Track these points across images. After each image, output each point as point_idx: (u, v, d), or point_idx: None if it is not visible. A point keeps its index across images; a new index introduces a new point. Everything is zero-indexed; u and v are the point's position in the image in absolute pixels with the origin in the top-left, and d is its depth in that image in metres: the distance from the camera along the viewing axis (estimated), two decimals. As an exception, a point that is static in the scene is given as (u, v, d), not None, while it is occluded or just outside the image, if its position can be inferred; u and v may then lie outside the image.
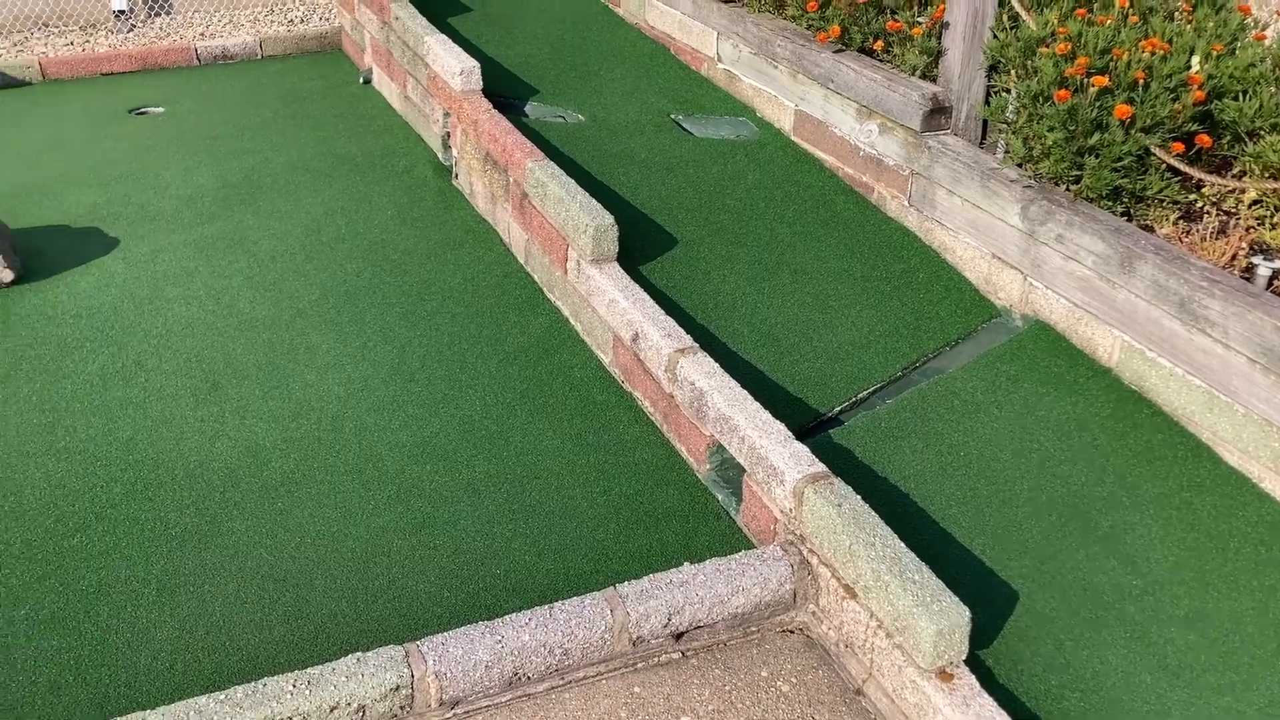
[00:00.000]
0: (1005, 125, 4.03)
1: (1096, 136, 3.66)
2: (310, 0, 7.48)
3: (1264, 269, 3.34)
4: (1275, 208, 3.55)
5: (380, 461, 3.33)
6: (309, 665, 2.47)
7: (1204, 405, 3.32)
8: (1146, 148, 3.64)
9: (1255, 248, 3.50)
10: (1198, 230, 3.62)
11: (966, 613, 2.47)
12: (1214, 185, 3.66)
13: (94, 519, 3.09)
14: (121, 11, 7.09)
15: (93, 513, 3.11)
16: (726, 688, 2.61)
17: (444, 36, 5.25)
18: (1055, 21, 3.96)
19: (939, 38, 4.35)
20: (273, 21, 7.25)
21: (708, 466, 3.28)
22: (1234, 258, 3.47)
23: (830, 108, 4.77)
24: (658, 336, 3.43)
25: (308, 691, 2.37)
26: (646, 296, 3.65)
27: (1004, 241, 3.95)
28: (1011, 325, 3.92)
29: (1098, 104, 3.66)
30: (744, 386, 3.21)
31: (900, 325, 3.91)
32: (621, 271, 3.80)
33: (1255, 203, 3.59)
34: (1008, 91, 4.04)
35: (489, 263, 4.43)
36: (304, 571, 2.91)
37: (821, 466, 2.87)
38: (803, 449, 2.94)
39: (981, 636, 2.70)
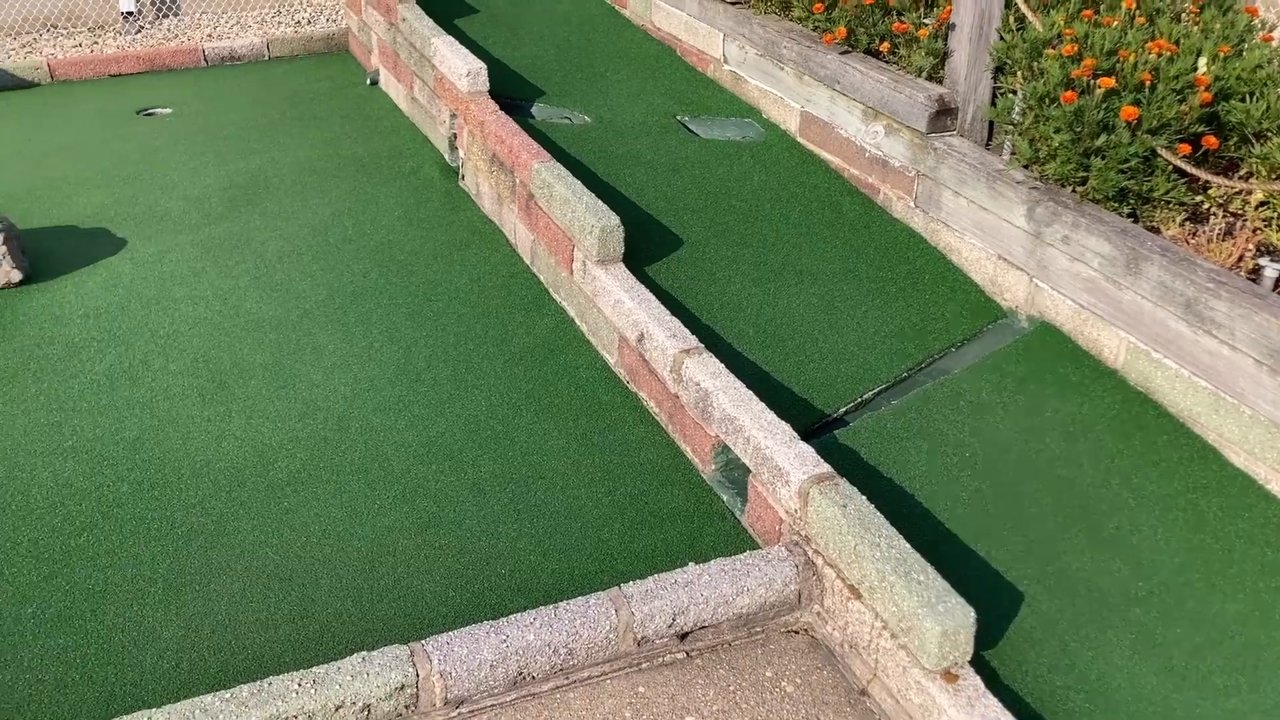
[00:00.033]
0: (1011, 127, 4.03)
1: (1103, 138, 3.66)
2: (317, 2, 7.50)
3: (1271, 270, 3.33)
4: (1282, 209, 3.54)
5: (386, 461, 3.33)
6: (314, 664, 2.48)
7: (1210, 407, 3.32)
8: (1153, 149, 3.63)
9: (1262, 249, 3.50)
10: (1204, 232, 3.61)
11: (971, 613, 2.47)
12: (1221, 187, 3.65)
13: (101, 518, 3.10)
14: (130, 13, 7.11)
15: (99, 512, 3.12)
16: (731, 688, 2.61)
17: (451, 38, 5.26)
18: (1061, 23, 3.95)
19: (945, 39, 4.35)
20: (280, 23, 7.27)
21: (713, 467, 3.28)
22: (1240, 259, 3.46)
23: (836, 109, 4.77)
24: (663, 337, 3.43)
25: (313, 690, 2.37)
26: (652, 297, 3.65)
27: (1010, 243, 3.95)
28: (1017, 326, 3.92)
29: (1104, 105, 3.66)
30: (749, 387, 3.21)
31: (906, 326, 3.90)
32: (627, 272, 3.81)
33: (1262, 204, 3.58)
34: (1014, 93, 4.03)
35: (495, 263, 4.44)
36: (310, 571, 2.92)
37: (827, 467, 2.87)
38: (808, 450, 2.94)
39: (986, 637, 2.70)
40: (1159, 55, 3.72)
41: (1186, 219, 3.68)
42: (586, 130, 5.10)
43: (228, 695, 2.35)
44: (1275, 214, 3.54)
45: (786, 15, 5.27)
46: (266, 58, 6.81)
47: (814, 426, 3.44)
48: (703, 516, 3.16)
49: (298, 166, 5.27)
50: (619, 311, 3.68)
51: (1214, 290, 3.24)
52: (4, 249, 4.15)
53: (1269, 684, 2.65)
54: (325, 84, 6.38)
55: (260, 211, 4.84)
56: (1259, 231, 3.55)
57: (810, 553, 2.81)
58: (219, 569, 2.92)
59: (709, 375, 3.25)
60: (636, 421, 3.55)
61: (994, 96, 4.20)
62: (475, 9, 6.40)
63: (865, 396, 3.59)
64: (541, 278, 4.31)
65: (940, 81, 4.39)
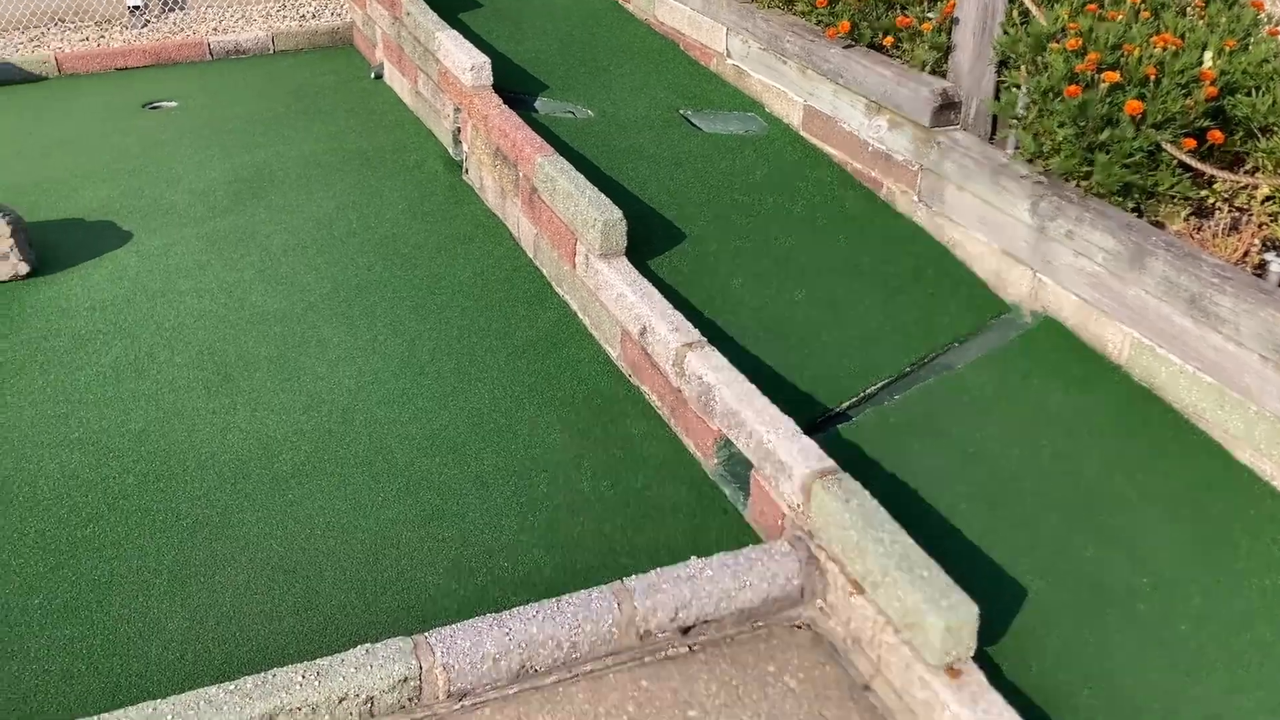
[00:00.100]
0: (1015, 121, 4.02)
1: (1107, 132, 3.65)
2: (322, -5, 7.50)
3: (1276, 266, 3.33)
4: (1287, 204, 3.53)
5: (390, 454, 3.34)
6: (318, 656, 2.48)
7: (1215, 402, 3.31)
8: (1158, 144, 3.62)
9: (1268, 244, 3.49)
10: (1209, 227, 3.60)
11: (975, 609, 2.47)
12: (1226, 181, 3.64)
13: (107, 509, 3.11)
14: (136, 7, 7.11)
15: (105, 503, 3.13)
16: (734, 682, 2.62)
17: (455, 32, 5.25)
18: (1066, 17, 3.94)
19: (949, 33, 4.34)
20: (285, 17, 7.27)
21: (715, 461, 3.28)
22: (1246, 254, 3.46)
23: (839, 103, 4.76)
24: (665, 331, 3.44)
25: (317, 682, 2.38)
26: (654, 291, 3.65)
27: (1014, 237, 3.94)
28: (1021, 321, 3.91)
29: (1108, 100, 3.65)
30: (752, 381, 3.21)
31: (909, 321, 3.90)
32: (630, 266, 3.81)
33: (1268, 199, 3.57)
34: (1018, 87, 4.03)
35: (498, 257, 4.44)
36: (314, 563, 2.93)
37: (830, 462, 2.87)
38: (811, 444, 2.94)
39: (990, 633, 2.70)
40: (1164, 49, 3.71)
41: (1191, 214, 3.67)
42: (589, 124, 5.10)
43: (232, 687, 2.36)
44: (1280, 209, 3.54)
45: (790, 9, 5.26)
46: (271, 51, 6.82)
47: (817, 421, 3.44)
48: (705, 511, 3.16)
49: (302, 160, 5.27)
50: (621, 305, 3.68)
51: (1219, 285, 3.23)
52: (11, 242, 4.16)
53: (1274, 680, 2.65)
54: (330, 78, 6.38)
55: (265, 205, 4.85)
56: (1264, 226, 3.54)
57: (813, 547, 2.82)
58: (224, 561, 2.93)
59: (711, 369, 3.25)
60: (639, 415, 3.55)
61: (998, 91, 4.20)
62: (479, 3, 6.40)
63: (868, 391, 3.59)
64: (544, 271, 4.32)
65: (944, 76, 4.38)
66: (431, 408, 3.55)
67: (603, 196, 3.93)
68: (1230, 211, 3.64)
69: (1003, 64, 4.17)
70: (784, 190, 4.63)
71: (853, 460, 3.23)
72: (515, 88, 5.33)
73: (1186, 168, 3.66)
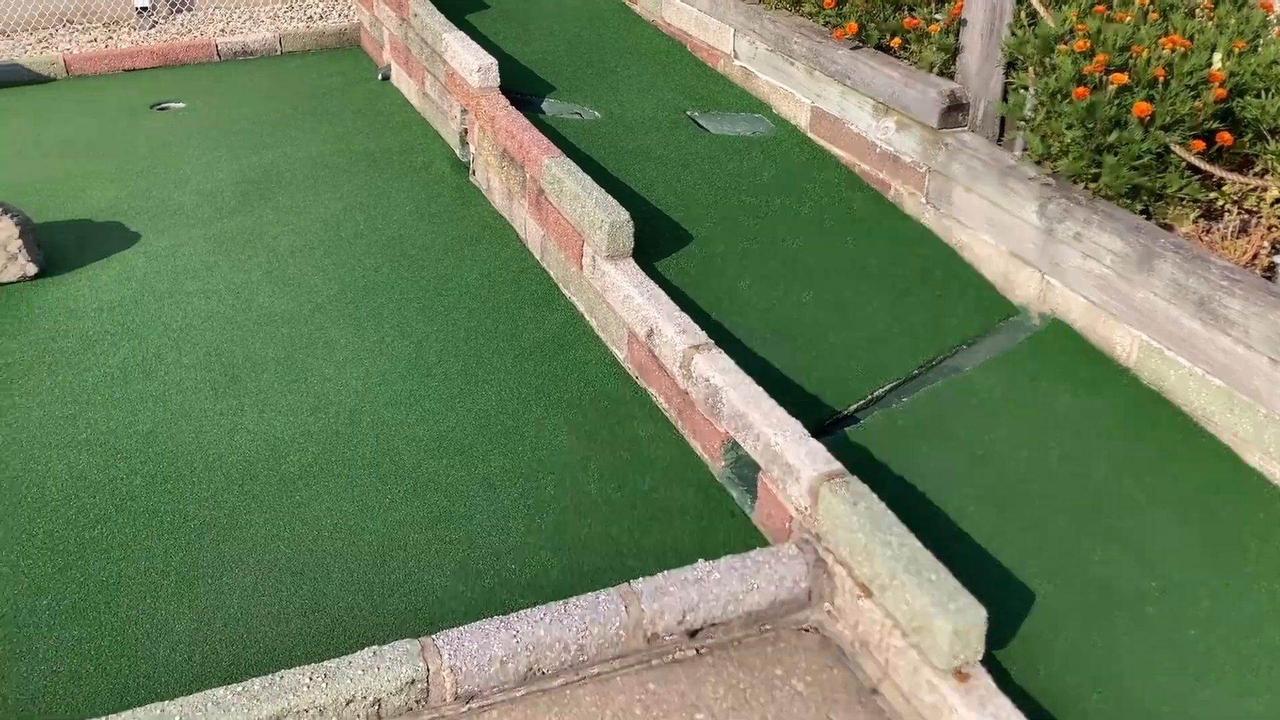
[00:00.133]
0: (1023, 122, 4.01)
1: (1115, 134, 3.64)
2: (329, -4, 7.51)
3: (1285, 268, 3.32)
4: (1297, 206, 3.52)
5: (397, 455, 3.34)
6: (325, 658, 2.49)
7: (1224, 405, 3.30)
8: (1166, 146, 3.61)
9: (1277, 247, 3.48)
10: (1218, 229, 3.59)
11: (983, 612, 2.46)
12: (1235, 183, 3.63)
13: (114, 510, 3.11)
14: (144, 8, 7.13)
15: (113, 504, 3.14)
16: (741, 685, 2.62)
17: (462, 33, 5.26)
18: (1074, 18, 3.93)
19: (956, 34, 4.34)
20: (292, 18, 7.28)
21: (722, 463, 3.28)
22: (1255, 257, 3.45)
23: (847, 104, 4.76)
24: (672, 332, 3.43)
25: (324, 684, 2.38)
26: (661, 292, 3.65)
27: (1022, 239, 3.93)
28: (1029, 324, 3.90)
29: (1117, 101, 3.64)
30: (759, 383, 3.21)
31: (917, 323, 3.90)
32: (636, 267, 3.80)
33: (1277, 201, 3.56)
34: (1026, 89, 4.02)
35: (505, 258, 4.45)
36: (321, 565, 2.93)
37: (837, 464, 2.87)
38: (818, 446, 2.94)
39: (998, 636, 2.69)
40: (1173, 51, 3.70)
41: (1200, 216, 3.66)
42: (596, 125, 5.10)
43: (239, 688, 2.36)
44: (1290, 211, 3.52)
45: (797, 10, 5.26)
46: (279, 52, 6.83)
47: (824, 423, 3.43)
48: (712, 513, 3.16)
49: (310, 161, 5.28)
50: (628, 307, 3.68)
51: (1228, 288, 3.22)
52: (20, 243, 4.17)
53: (1281, 683, 2.64)
54: (337, 79, 6.39)
55: (273, 206, 4.85)
56: (1274, 229, 3.53)
57: (821, 550, 2.81)
58: (231, 562, 2.94)
59: (718, 371, 3.24)
60: (646, 417, 3.55)
61: (1005, 92, 4.19)
62: (486, 4, 6.40)
63: (876, 393, 3.59)
64: (551, 273, 4.32)
65: (952, 77, 4.37)
66: (439, 409, 3.55)
67: (610, 198, 3.93)
68: (1239, 214, 3.63)
69: (1010, 65, 4.16)
70: (791, 192, 4.63)
71: (861, 463, 3.23)
72: (522, 89, 5.33)
73: (1195, 170, 3.65)
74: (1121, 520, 3.09)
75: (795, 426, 3.02)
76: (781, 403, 3.13)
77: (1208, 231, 3.60)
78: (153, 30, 7.04)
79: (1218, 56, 3.72)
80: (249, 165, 5.23)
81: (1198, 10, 4.14)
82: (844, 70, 4.71)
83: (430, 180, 5.10)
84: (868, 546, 2.63)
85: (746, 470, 3.20)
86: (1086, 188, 3.79)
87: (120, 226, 4.65)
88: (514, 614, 2.60)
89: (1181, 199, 3.66)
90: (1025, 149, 4.02)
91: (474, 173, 5.08)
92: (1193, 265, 3.33)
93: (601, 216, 3.81)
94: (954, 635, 2.42)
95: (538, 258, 4.43)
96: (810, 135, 5.04)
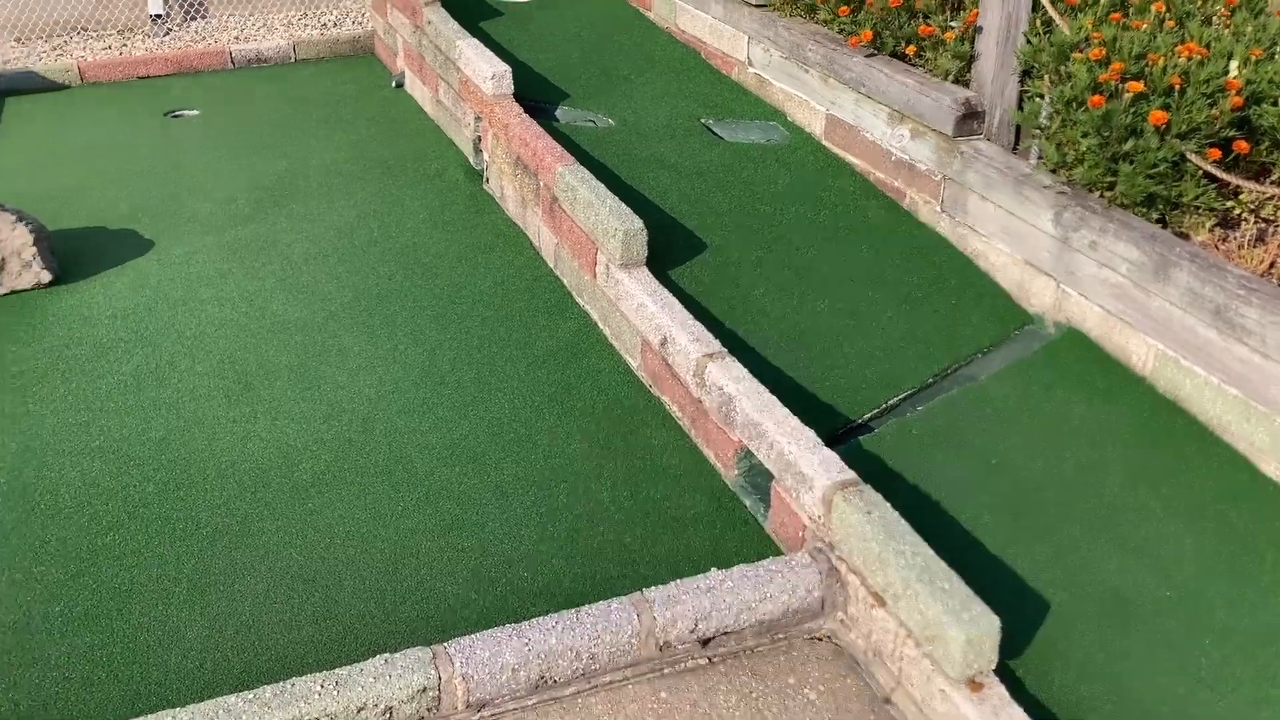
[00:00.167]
0: (1038, 131, 4.00)
1: (1131, 142, 3.62)
2: (343, 4, 7.54)
3: (1302, 277, 3.30)
4: (1314, 215, 3.50)
5: (410, 463, 3.34)
6: (337, 666, 2.48)
7: (1241, 415, 3.28)
8: (1182, 154, 3.60)
9: (1293, 255, 3.46)
10: (1235, 238, 3.57)
11: (996, 621, 2.45)
12: (1252, 192, 3.61)
13: (127, 517, 3.12)
14: (158, 15, 7.17)
15: (126, 511, 3.14)
16: (754, 695, 2.60)
17: (476, 40, 5.27)
18: (1089, 26, 3.92)
19: (971, 42, 4.33)
20: (306, 25, 7.31)
21: (735, 472, 3.27)
22: (1272, 265, 3.42)
23: (862, 112, 4.75)
24: (686, 341, 3.43)
25: (335, 692, 2.38)
26: (675, 301, 3.64)
27: (1037, 248, 3.92)
28: (1044, 332, 3.89)
29: (1132, 110, 3.62)
30: (773, 392, 3.20)
31: (932, 331, 3.88)
32: (650, 276, 3.80)
33: (1294, 210, 3.54)
34: (1041, 97, 4.00)
35: (519, 266, 4.45)
36: (333, 572, 2.93)
37: (851, 473, 2.86)
38: (832, 455, 2.93)
39: (1011, 646, 2.68)
40: (1189, 59, 3.68)
41: (1216, 225, 3.64)
42: (610, 133, 5.10)
43: (251, 696, 2.36)
44: (1307, 220, 3.50)
45: (811, 18, 5.26)
46: (293, 60, 6.85)
47: (838, 432, 3.42)
48: (725, 522, 3.15)
49: (324, 168, 5.29)
50: (642, 315, 3.67)
51: (1245, 297, 3.20)
52: (34, 250, 4.19)
53: (1299, 696, 2.62)
54: (351, 86, 6.41)
55: (286, 213, 4.87)
56: (1290, 237, 3.51)
57: (834, 559, 2.80)
58: (243, 569, 2.94)
59: (732, 380, 3.24)
60: (659, 425, 3.54)
61: (1021, 100, 4.18)
62: (500, 11, 6.42)
63: (890, 402, 3.57)
64: (565, 281, 4.32)
65: (967, 85, 4.36)
66: (452, 417, 3.55)
67: (623, 206, 3.92)
68: (1256, 222, 3.61)
69: (1026, 73, 4.15)
70: (806, 200, 4.62)
71: (874, 472, 3.21)
72: (536, 96, 5.34)
73: (1211, 178, 3.63)
74: (1136, 530, 3.07)
75: (809, 435, 3.01)
76: (795, 411, 3.12)
77: (1224, 240, 3.58)
78: (167, 38, 7.07)
79: (1234, 64, 3.70)
80: (262, 172, 5.25)
81: (1214, 18, 4.12)
82: (859, 78, 4.70)
83: (444, 188, 5.11)
84: (881, 555, 2.62)
85: (759, 479, 3.19)
86: (1102, 196, 3.77)
87: (134, 234, 4.67)
88: (526, 622, 2.60)
89: (1198, 207, 3.64)
90: (1040, 157, 4.01)
91: (487, 180, 5.08)
92: (1209, 274, 3.31)
93: (615, 224, 3.81)
94: (967, 644, 2.41)
95: (551, 266, 4.43)
96: (825, 143, 5.03)
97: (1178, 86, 3.62)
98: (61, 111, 6.07)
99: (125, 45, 6.97)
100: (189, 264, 4.44)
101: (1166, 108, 3.60)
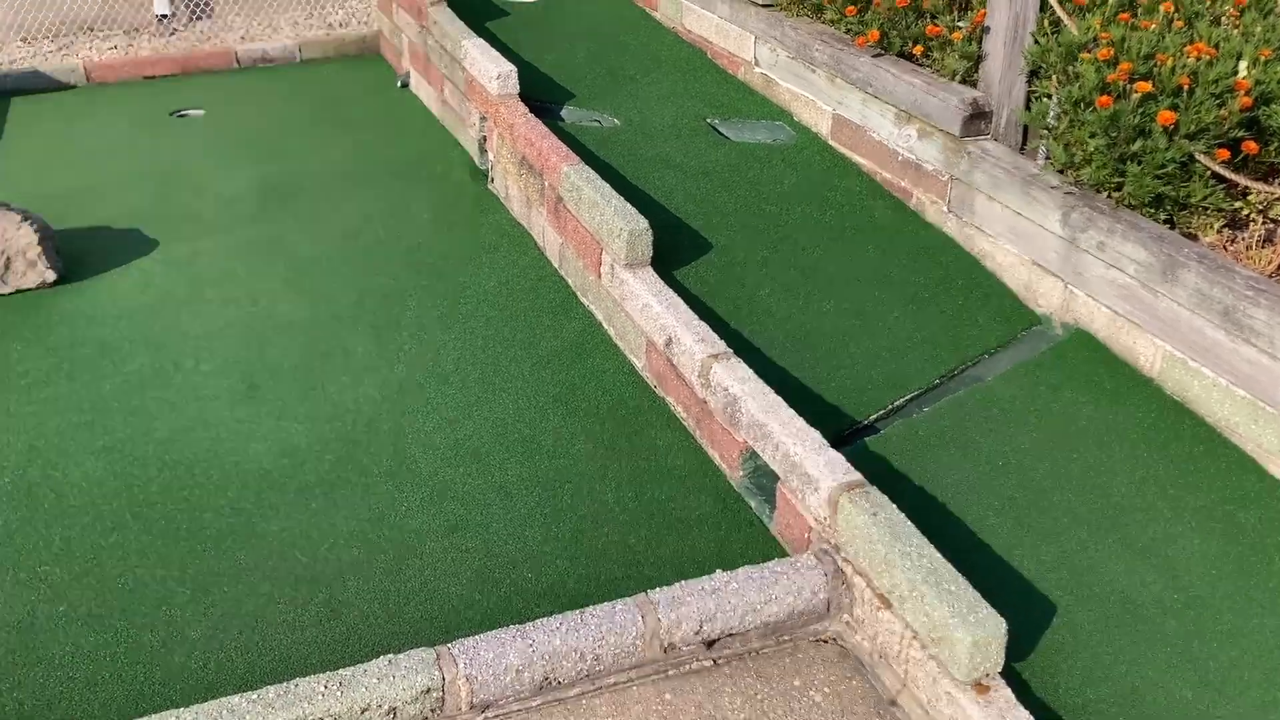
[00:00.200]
0: (1046, 131, 3.98)
1: (1139, 143, 3.61)
2: (349, 5, 7.54)
3: (1311, 278, 3.28)
4: (1323, 216, 3.48)
5: (414, 463, 3.33)
6: (341, 666, 2.48)
7: (1249, 417, 3.26)
8: (1191, 155, 3.58)
9: (1302, 256, 3.44)
10: (1243, 239, 3.55)
11: (1003, 624, 2.43)
12: (1260, 192, 3.59)
13: (131, 518, 3.11)
14: (164, 15, 7.17)
15: (130, 512, 3.14)
16: (759, 696, 2.59)
17: (481, 41, 5.26)
18: (1098, 26, 3.91)
19: (979, 42, 4.31)
20: (312, 25, 7.31)
21: (741, 473, 3.26)
22: (1280, 266, 3.41)
23: (869, 112, 4.74)
24: (691, 341, 3.42)
25: (339, 693, 2.37)
26: (680, 301, 3.63)
27: (1044, 248, 3.90)
28: (1051, 333, 3.87)
29: (1141, 110, 3.61)
30: (778, 393, 3.19)
31: (938, 332, 3.87)
32: (655, 276, 3.79)
33: (1303, 210, 3.53)
34: (1049, 97, 3.99)
35: (523, 267, 4.44)
36: (337, 572, 2.92)
37: (857, 475, 2.85)
38: (838, 457, 2.91)
39: (1018, 649, 2.67)
40: (1198, 59, 3.67)
41: (1225, 225, 3.62)
42: (616, 133, 5.09)
43: (254, 696, 2.36)
44: (1316, 221, 3.48)
45: (818, 18, 5.24)
46: (298, 60, 6.85)
47: (844, 433, 3.41)
48: (730, 523, 3.14)
49: (329, 169, 5.29)
50: (647, 315, 3.66)
51: (1253, 298, 3.18)
52: (39, 250, 4.19)
53: (1308, 700, 2.60)
54: (356, 86, 6.40)
55: (291, 213, 4.86)
56: (1299, 238, 3.49)
57: (839, 561, 2.79)
58: (247, 570, 2.93)
59: (737, 381, 3.23)
60: (664, 426, 3.53)
61: (1028, 100, 4.16)
62: (506, 11, 6.41)
63: (897, 403, 3.56)
64: (569, 281, 4.31)
65: (974, 85, 4.35)
66: (456, 417, 3.54)
67: (629, 206, 3.91)
68: (1265, 223, 3.59)
69: (1034, 74, 4.13)
70: (812, 200, 4.61)
71: (880, 473, 3.20)
72: (541, 96, 5.33)
73: (1220, 179, 3.61)
74: (1144, 532, 3.05)
75: (814, 436, 2.99)
76: (801, 412, 3.11)
77: (1232, 241, 3.56)
78: (173, 38, 7.08)
79: (1243, 65, 3.69)
80: (268, 173, 5.25)
81: (1223, 18, 4.10)
82: (865, 78, 4.69)
83: (449, 188, 5.10)
84: (887, 557, 2.60)
85: (765, 480, 3.18)
86: (1110, 197, 3.75)
87: (139, 234, 4.67)
88: (530, 623, 2.59)
89: (1206, 208, 3.62)
90: (1048, 157, 3.99)
91: (492, 180, 5.08)
92: (1217, 275, 3.29)
93: (620, 225, 3.80)
94: (973, 647, 2.40)
95: (556, 266, 4.43)
96: (831, 143, 5.02)
97: (1186, 87, 3.60)
98: (67, 111, 6.08)
99: (131, 45, 6.98)
100: (194, 264, 4.44)
101: (1175, 108, 3.58)
